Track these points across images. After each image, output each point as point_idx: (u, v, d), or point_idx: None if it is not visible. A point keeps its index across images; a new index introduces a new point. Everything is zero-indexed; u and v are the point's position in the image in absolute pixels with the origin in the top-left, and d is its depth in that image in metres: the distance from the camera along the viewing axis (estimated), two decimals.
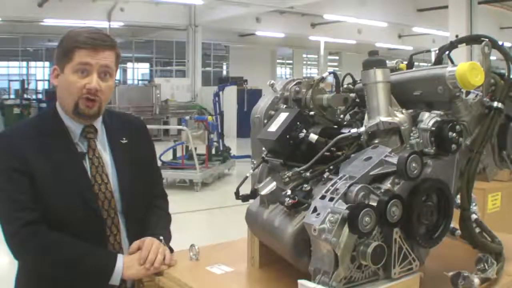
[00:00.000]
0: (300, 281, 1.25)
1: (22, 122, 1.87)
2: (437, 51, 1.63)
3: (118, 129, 1.86)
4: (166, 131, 17.28)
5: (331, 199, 1.24)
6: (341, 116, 1.64)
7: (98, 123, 1.81)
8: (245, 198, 1.59)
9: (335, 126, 1.56)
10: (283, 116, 1.56)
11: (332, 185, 1.28)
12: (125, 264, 1.63)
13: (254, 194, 1.57)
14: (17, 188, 1.62)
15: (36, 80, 23.56)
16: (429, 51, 1.81)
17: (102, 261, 1.64)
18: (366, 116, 1.45)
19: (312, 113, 1.59)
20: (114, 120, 1.87)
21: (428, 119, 1.38)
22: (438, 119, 1.38)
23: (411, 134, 1.39)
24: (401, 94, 1.46)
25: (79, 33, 1.69)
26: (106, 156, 1.79)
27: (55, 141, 1.71)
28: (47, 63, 23.21)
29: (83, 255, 1.63)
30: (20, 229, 1.59)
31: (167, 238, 1.80)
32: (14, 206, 1.61)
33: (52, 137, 1.71)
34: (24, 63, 23.22)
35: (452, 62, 1.53)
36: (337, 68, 28.15)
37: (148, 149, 1.96)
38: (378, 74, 1.42)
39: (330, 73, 1.72)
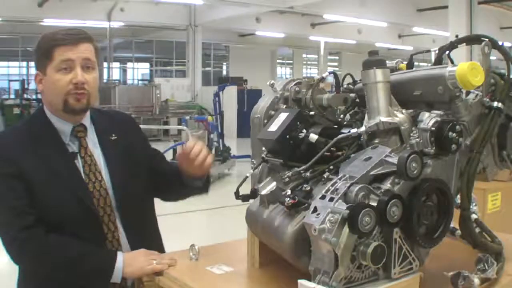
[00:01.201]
0: (300, 281, 1.25)
1: (11, 127, 1.87)
2: (437, 51, 1.63)
3: (107, 126, 1.87)
4: (166, 131, 17.25)
5: (331, 199, 1.24)
6: (341, 116, 1.64)
7: (87, 122, 1.81)
8: (245, 198, 1.59)
9: (335, 126, 1.56)
10: (283, 116, 1.56)
11: (332, 185, 1.28)
12: (125, 262, 1.63)
13: (254, 194, 1.57)
14: (13, 193, 1.62)
15: None
16: (429, 51, 1.81)
17: (102, 260, 1.64)
18: (366, 116, 1.45)
19: (312, 113, 1.58)
20: (102, 118, 1.88)
21: (428, 119, 1.38)
22: (438, 119, 1.38)
23: (411, 134, 1.39)
24: (401, 94, 1.46)
25: (55, 33, 1.71)
26: (98, 154, 1.79)
27: (46, 143, 1.71)
28: None
29: (82, 255, 1.63)
30: (18, 234, 1.59)
31: None
32: (11, 212, 1.61)
33: (44, 140, 1.72)
34: (24, 63, 23.14)
35: (452, 62, 1.53)
36: (337, 68, 28.14)
37: (138, 141, 1.95)
38: (378, 74, 1.42)
39: (330, 73, 1.72)
